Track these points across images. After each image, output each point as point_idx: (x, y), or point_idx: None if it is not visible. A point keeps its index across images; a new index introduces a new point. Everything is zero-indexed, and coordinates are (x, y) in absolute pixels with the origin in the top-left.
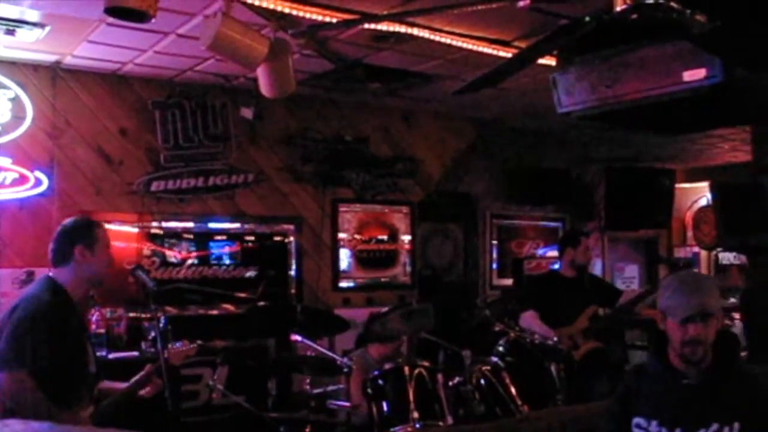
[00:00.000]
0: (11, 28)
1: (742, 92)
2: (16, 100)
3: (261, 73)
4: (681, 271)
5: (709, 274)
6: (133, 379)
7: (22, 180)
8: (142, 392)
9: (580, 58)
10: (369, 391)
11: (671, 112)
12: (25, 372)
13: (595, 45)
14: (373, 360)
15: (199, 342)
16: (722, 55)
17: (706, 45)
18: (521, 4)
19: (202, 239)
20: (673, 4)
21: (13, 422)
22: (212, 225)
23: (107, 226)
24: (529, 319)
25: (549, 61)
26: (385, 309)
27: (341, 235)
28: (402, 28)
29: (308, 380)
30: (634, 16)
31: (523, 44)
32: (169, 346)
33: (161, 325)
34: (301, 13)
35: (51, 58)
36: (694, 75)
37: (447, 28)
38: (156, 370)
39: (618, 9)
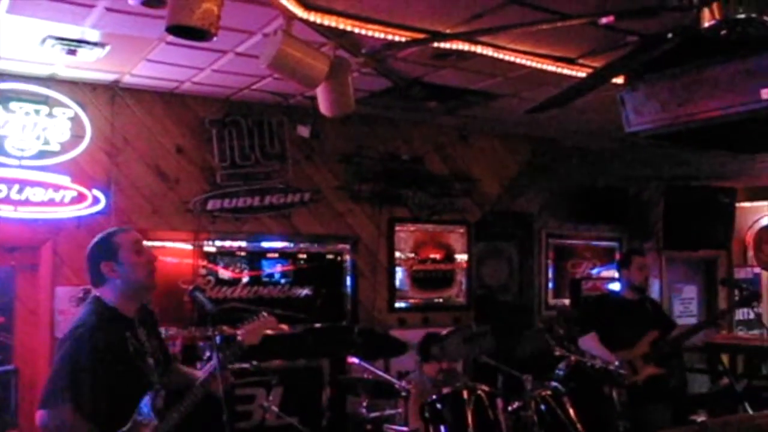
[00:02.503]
0: (73, 48)
1: None
2: (75, 119)
3: (320, 92)
4: None
5: None
6: (206, 368)
7: (80, 198)
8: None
9: (649, 76)
10: (427, 415)
11: (746, 130)
12: (67, 407)
13: (666, 62)
14: (429, 378)
15: (253, 362)
16: None
17: None
18: (604, 20)
19: (255, 258)
20: (765, 18)
21: None
22: (265, 244)
23: (163, 244)
24: (589, 343)
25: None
26: (444, 331)
27: (397, 255)
28: (464, 46)
29: (365, 403)
30: (724, 32)
31: (588, 62)
32: (244, 324)
33: (217, 344)
34: (362, 31)
35: (110, 77)
36: None
37: (510, 45)
38: (224, 361)
39: (706, 24)
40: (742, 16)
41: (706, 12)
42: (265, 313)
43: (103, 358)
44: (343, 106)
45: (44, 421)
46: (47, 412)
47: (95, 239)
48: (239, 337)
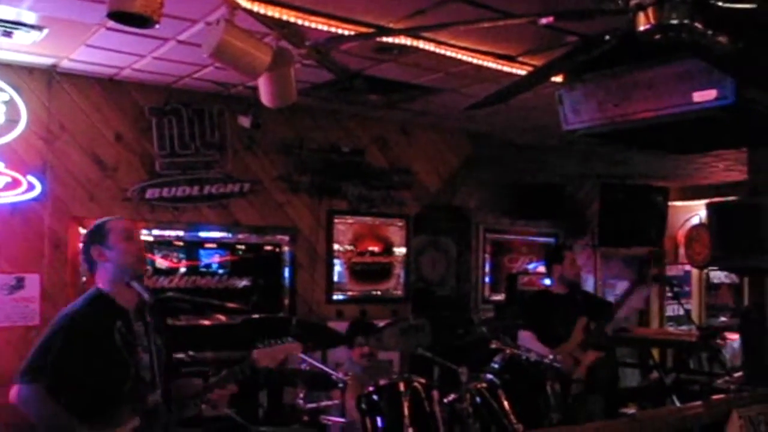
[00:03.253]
0: (8, 29)
1: (749, 114)
2: (10, 103)
3: (262, 83)
4: None
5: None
6: (213, 380)
7: (14, 184)
8: (214, 396)
9: (587, 76)
10: (363, 406)
11: (679, 132)
12: (39, 386)
13: (603, 63)
14: (357, 363)
15: (189, 353)
16: (739, 77)
17: (723, 66)
18: (543, 21)
19: (193, 248)
20: (697, 25)
21: None
22: (203, 234)
23: None
24: (527, 340)
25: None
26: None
27: (336, 247)
28: (407, 41)
29: (302, 394)
30: (658, 36)
31: (528, 60)
32: (259, 346)
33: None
34: (305, 23)
35: (47, 61)
36: (704, 96)
37: (452, 42)
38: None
39: (641, 28)
40: (675, 21)
41: (641, 16)
42: (290, 339)
43: (81, 343)
44: (285, 97)
45: (14, 395)
46: (18, 387)
47: (90, 226)
48: (254, 356)
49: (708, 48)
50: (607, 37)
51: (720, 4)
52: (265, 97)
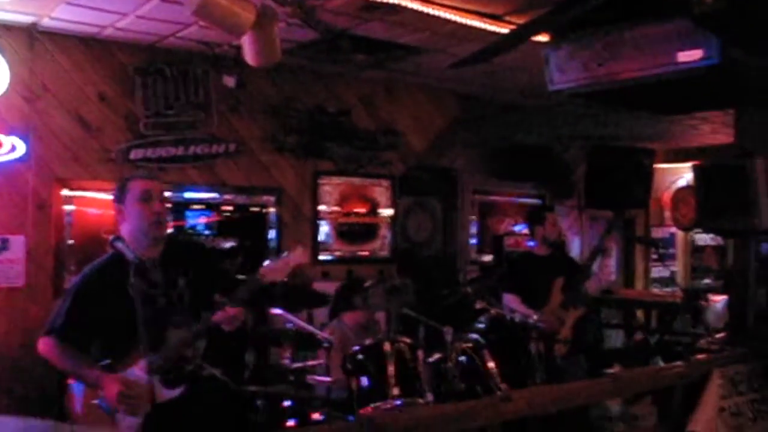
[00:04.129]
0: None
1: (735, 75)
2: None
3: (246, 41)
4: None
5: None
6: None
7: None
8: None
9: (573, 35)
10: (349, 366)
11: (664, 93)
12: (52, 337)
13: (589, 22)
14: (349, 328)
15: None
16: (722, 36)
17: (709, 25)
18: None
19: (178, 209)
20: None
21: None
22: (189, 195)
23: (84, 193)
24: (511, 303)
25: (539, 36)
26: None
27: (321, 208)
28: None
29: (288, 354)
30: None
31: (515, 19)
32: (265, 263)
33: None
34: None
35: (28, 19)
36: (689, 56)
37: (439, 0)
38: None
39: None
40: None
41: None
42: (300, 248)
43: (91, 298)
44: (269, 56)
45: (39, 347)
46: (40, 339)
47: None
48: (260, 272)
49: (693, 5)
50: None
51: None
52: (249, 56)
